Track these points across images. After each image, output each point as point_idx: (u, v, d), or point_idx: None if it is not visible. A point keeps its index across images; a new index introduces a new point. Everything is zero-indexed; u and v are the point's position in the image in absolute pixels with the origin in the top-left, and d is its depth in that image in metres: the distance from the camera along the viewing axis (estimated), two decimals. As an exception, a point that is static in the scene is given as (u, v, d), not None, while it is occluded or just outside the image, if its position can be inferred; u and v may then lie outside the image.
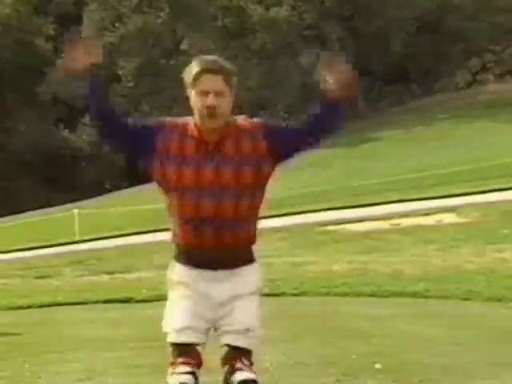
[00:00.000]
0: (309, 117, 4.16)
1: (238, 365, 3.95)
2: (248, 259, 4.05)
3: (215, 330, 4.04)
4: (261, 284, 4.12)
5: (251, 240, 4.04)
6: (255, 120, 4.10)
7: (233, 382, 3.92)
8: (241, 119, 4.04)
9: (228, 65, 3.99)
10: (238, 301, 3.99)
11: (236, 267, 4.00)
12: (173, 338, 4.00)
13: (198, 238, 3.93)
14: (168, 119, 4.04)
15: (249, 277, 4.03)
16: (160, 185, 3.98)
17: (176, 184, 3.91)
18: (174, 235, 4.02)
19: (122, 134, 4.01)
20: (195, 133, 3.95)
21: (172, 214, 3.99)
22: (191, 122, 3.99)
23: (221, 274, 3.98)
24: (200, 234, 3.92)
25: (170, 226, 4.04)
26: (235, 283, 3.99)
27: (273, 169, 4.02)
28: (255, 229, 4.05)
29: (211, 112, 3.88)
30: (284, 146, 4.05)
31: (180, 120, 4.04)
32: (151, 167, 3.96)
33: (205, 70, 3.93)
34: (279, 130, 4.12)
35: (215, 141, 3.93)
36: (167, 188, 3.96)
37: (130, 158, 4.08)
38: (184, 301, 3.99)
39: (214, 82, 3.90)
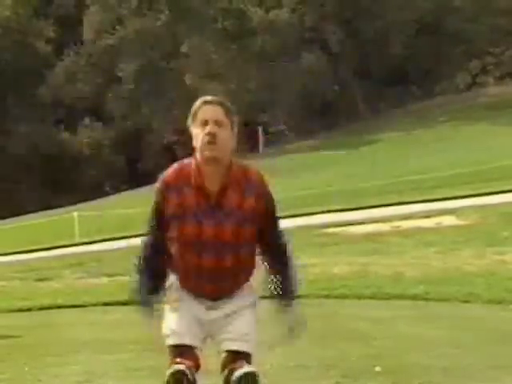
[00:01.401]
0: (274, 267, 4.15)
1: (237, 365, 3.97)
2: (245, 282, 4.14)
3: (213, 338, 4.09)
4: (257, 298, 4.17)
5: (250, 275, 4.12)
6: (260, 176, 4.04)
7: (233, 379, 3.93)
8: (245, 166, 4.01)
9: (227, 102, 4.01)
10: (233, 314, 4.06)
11: (234, 293, 4.08)
12: (170, 339, 4.03)
13: (199, 286, 4.02)
14: (163, 178, 4.02)
15: (245, 298, 4.10)
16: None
17: (178, 237, 3.96)
18: (176, 273, 4.10)
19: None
20: (197, 180, 3.92)
21: (175, 260, 4.05)
22: (191, 165, 3.96)
23: (218, 302, 4.08)
24: (201, 285, 4.01)
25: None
26: (232, 305, 4.07)
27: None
28: (254, 265, 4.11)
29: (210, 140, 3.86)
30: (264, 235, 4.06)
31: (175, 172, 3.99)
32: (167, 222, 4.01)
33: (205, 103, 3.97)
34: (264, 228, 4.04)
35: (217, 191, 3.91)
36: (172, 240, 4.01)
37: None
38: (182, 309, 4.07)
39: (214, 112, 3.92)
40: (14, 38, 54.30)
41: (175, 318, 4.04)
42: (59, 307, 12.18)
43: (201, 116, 3.93)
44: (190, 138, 3.99)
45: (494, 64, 55.40)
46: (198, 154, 3.92)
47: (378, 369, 6.44)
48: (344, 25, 53.55)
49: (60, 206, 40.99)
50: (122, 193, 46.34)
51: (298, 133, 53.10)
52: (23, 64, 53.63)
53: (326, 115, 53.83)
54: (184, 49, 53.80)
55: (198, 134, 3.90)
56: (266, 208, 3.98)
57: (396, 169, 31.81)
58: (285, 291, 4.11)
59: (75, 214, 28.34)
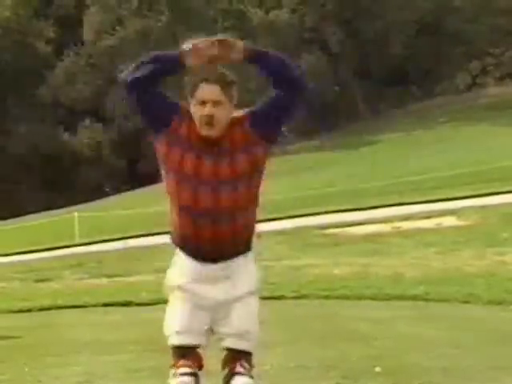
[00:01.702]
0: (272, 90, 4.08)
1: (238, 368, 3.96)
2: (246, 248, 4.05)
3: (214, 333, 4.04)
4: (259, 285, 4.12)
5: (250, 229, 4.05)
6: (243, 111, 4.07)
7: None
8: (235, 117, 4.04)
9: (228, 73, 4.01)
10: (236, 302, 3.99)
11: (235, 257, 3.99)
12: (173, 340, 4.01)
13: (196, 229, 3.93)
14: (184, 104, 4.04)
15: (247, 276, 4.03)
16: (163, 163, 4.00)
17: (177, 167, 3.93)
18: (174, 223, 4.02)
19: (152, 96, 4.01)
20: (197, 134, 3.96)
21: (171, 199, 4.00)
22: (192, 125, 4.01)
23: (219, 267, 3.97)
24: (198, 227, 3.93)
25: (171, 215, 4.05)
26: (233, 283, 3.99)
27: (267, 151, 4.04)
28: (254, 218, 4.06)
29: (208, 121, 3.90)
30: (268, 125, 4.03)
31: (190, 114, 4.03)
32: (160, 141, 3.98)
33: (202, 80, 3.95)
34: (260, 112, 4.05)
35: (214, 138, 3.95)
36: (168, 168, 3.98)
37: (147, 121, 4.04)
38: (183, 303, 4.00)
39: (212, 92, 3.92)
40: (14, 39, 54.30)
41: (177, 314, 3.99)
42: (59, 308, 12.17)
43: (199, 95, 3.94)
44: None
45: (494, 64, 55.43)
46: (196, 123, 3.94)
47: (378, 369, 6.44)
48: (344, 25, 53.57)
49: (60, 206, 40.99)
50: (122, 193, 46.34)
51: (298, 133, 53.08)
52: (23, 64, 53.63)
53: (326, 116, 53.83)
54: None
55: (196, 113, 3.93)
56: (252, 123, 3.99)
57: (396, 169, 31.81)
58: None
59: (75, 214, 28.34)
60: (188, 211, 3.93)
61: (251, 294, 4.05)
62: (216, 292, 3.98)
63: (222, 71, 3.99)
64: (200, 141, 3.94)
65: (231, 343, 4.00)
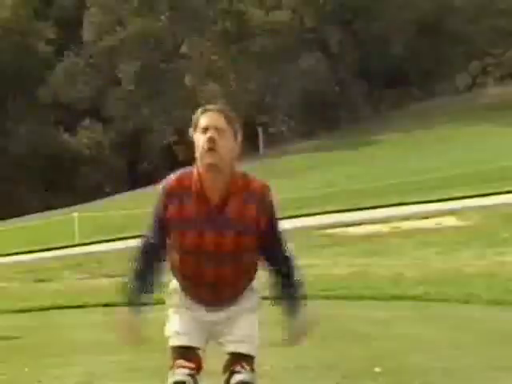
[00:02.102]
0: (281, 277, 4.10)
1: (238, 368, 3.97)
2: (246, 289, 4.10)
3: (215, 340, 4.09)
4: (258, 303, 4.15)
5: (251, 282, 4.08)
6: (264, 187, 3.96)
7: (230, 382, 3.94)
8: (248, 177, 3.95)
9: (232, 113, 3.95)
10: (236, 316, 4.05)
11: (234, 301, 4.06)
12: (173, 341, 4.03)
13: (199, 295, 4.00)
14: (164, 186, 3.93)
15: (247, 301, 4.08)
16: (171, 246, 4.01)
17: (179, 245, 3.92)
18: (175, 278, 4.08)
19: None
20: (197, 188, 3.86)
21: (174, 268, 4.03)
22: (194, 174, 3.90)
23: (222, 315, 4.06)
24: (200, 294, 3.99)
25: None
26: (233, 307, 4.06)
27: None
28: (255, 272, 4.07)
29: (210, 146, 3.79)
30: (265, 244, 4.00)
31: (176, 181, 3.92)
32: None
33: (205, 110, 3.91)
34: (274, 236, 4.04)
35: (217, 200, 3.85)
36: (172, 248, 3.98)
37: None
38: (184, 313, 4.06)
39: (215, 119, 3.86)
40: (15, 39, 54.29)
41: (177, 320, 4.05)
42: (59, 308, 12.18)
43: (202, 123, 3.86)
44: (191, 144, 3.95)
45: (494, 65, 55.42)
46: (198, 162, 3.86)
47: (377, 369, 6.44)
48: (344, 26, 53.56)
49: (60, 206, 40.98)
50: (122, 194, 46.33)
51: (298, 133, 53.09)
52: (23, 65, 53.62)
53: (326, 116, 53.82)
54: (184, 50, 53.80)
55: (199, 141, 3.84)
56: (266, 223, 3.92)
57: (396, 169, 31.82)
58: (290, 298, 4.06)
59: (75, 214, 28.34)
60: (191, 281, 3.98)
61: (251, 311, 4.08)
62: (215, 316, 4.05)
63: (226, 108, 3.96)
64: (201, 208, 3.86)
65: (233, 347, 4.02)
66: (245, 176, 3.91)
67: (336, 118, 53.38)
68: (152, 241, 4.00)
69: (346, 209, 23.29)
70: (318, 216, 22.39)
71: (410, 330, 8.57)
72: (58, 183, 52.22)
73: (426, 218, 20.49)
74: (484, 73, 55.82)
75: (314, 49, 54.64)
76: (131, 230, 25.74)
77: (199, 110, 3.95)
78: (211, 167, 3.80)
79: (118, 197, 45.01)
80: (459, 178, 25.80)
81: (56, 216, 33.40)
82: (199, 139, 3.84)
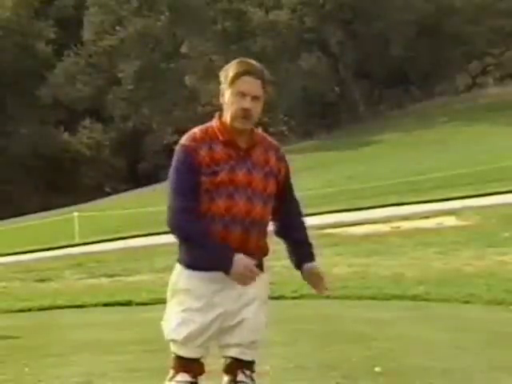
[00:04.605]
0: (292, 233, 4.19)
1: (240, 377, 3.95)
2: (260, 268, 4.01)
3: (220, 338, 3.98)
4: (269, 292, 4.13)
5: (267, 248, 4.08)
6: (278, 145, 4.15)
7: None
8: (263, 133, 4.11)
9: (267, 72, 4.02)
10: (247, 312, 3.94)
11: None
12: (177, 350, 3.97)
13: (226, 236, 3.88)
14: (188, 142, 3.92)
15: (258, 285, 3.98)
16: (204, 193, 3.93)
17: (208, 186, 3.88)
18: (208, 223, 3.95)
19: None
20: (226, 135, 3.93)
21: (204, 210, 3.91)
22: (214, 126, 3.96)
23: None
24: (228, 233, 3.89)
25: None
26: (244, 291, 3.93)
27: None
28: (267, 231, 4.09)
29: (245, 115, 3.88)
30: (283, 196, 4.10)
31: (199, 130, 3.96)
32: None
33: (246, 72, 3.91)
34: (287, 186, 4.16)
35: (246, 146, 3.95)
36: (204, 193, 3.90)
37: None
38: (194, 312, 3.92)
39: (254, 86, 3.91)
40: (15, 40, 54.28)
41: (183, 323, 3.92)
42: (59, 308, 12.18)
43: (239, 86, 3.88)
44: (217, 94, 3.98)
45: (494, 65, 55.43)
46: (227, 117, 3.92)
47: (378, 370, 6.44)
48: (344, 26, 53.56)
49: (60, 206, 40.97)
50: (122, 193, 46.33)
51: (298, 133, 53.10)
52: (23, 65, 53.61)
53: (326, 116, 53.84)
54: (184, 50, 53.80)
55: (233, 103, 3.89)
56: (285, 171, 4.07)
57: (396, 169, 31.80)
58: (305, 253, 4.17)
59: (75, 214, 28.33)
60: (220, 221, 3.89)
61: (262, 302, 4.03)
62: (225, 298, 3.92)
63: (263, 68, 4.00)
64: (230, 153, 3.91)
65: (235, 353, 3.96)
66: (260, 132, 4.08)
67: (336, 118, 53.39)
68: (192, 203, 3.87)
69: (346, 209, 23.27)
70: (317, 216, 22.35)
71: (410, 330, 8.57)
72: (58, 183, 52.21)
73: (426, 217, 20.47)
74: (484, 73, 55.83)
75: (314, 49, 54.67)
76: (131, 229, 25.76)
77: (239, 66, 3.92)
78: (239, 131, 3.92)
79: (118, 197, 45.02)
80: (459, 178, 25.79)
81: (56, 216, 33.38)
82: (233, 101, 3.89)
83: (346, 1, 52.74)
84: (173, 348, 3.98)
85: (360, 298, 11.35)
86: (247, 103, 3.87)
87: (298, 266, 4.14)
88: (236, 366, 3.97)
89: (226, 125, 3.93)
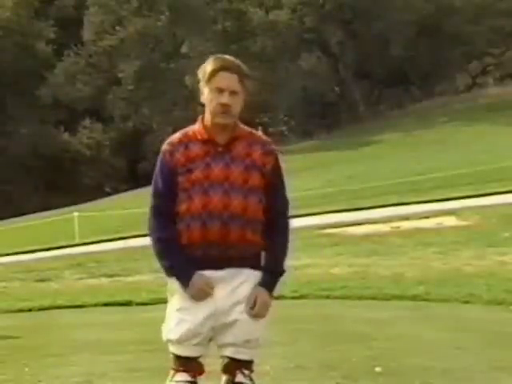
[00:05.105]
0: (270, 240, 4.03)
1: (239, 377, 3.94)
2: (255, 265, 3.98)
3: (216, 338, 3.98)
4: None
5: (258, 243, 3.98)
6: (268, 140, 4.08)
7: None
8: (250, 129, 4.07)
9: (244, 67, 3.99)
10: (239, 309, 3.92)
11: (242, 267, 3.93)
12: (174, 349, 3.98)
13: (205, 233, 3.89)
14: (165, 146, 4.02)
15: (253, 280, 3.96)
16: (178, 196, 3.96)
17: (185, 185, 3.91)
18: (179, 237, 3.96)
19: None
20: (204, 135, 3.95)
21: (179, 217, 3.93)
22: (196, 126, 4.00)
23: (225, 272, 3.92)
24: (206, 229, 3.89)
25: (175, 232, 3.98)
26: (238, 286, 3.92)
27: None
28: (262, 237, 3.99)
29: (225, 110, 3.89)
30: (269, 192, 4.00)
31: (179, 133, 4.02)
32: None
33: (222, 68, 3.92)
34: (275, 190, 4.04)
35: (225, 142, 3.95)
36: (180, 194, 3.93)
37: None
38: (185, 311, 3.94)
39: (230, 81, 3.91)
40: (15, 40, 54.26)
41: (179, 323, 3.94)
42: (59, 308, 12.18)
43: (216, 82, 3.91)
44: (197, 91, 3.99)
45: (494, 65, 55.43)
46: (207, 115, 3.95)
47: (378, 369, 6.43)
48: (344, 26, 53.57)
49: (60, 206, 40.96)
50: (122, 193, 46.31)
51: (298, 133, 53.10)
52: (23, 65, 53.59)
53: (326, 116, 53.82)
54: (184, 50, 53.79)
55: (212, 100, 3.91)
56: (272, 166, 3.98)
57: (396, 169, 31.79)
58: (266, 266, 3.99)
59: (75, 214, 28.33)
60: (198, 218, 3.90)
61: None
62: (219, 295, 3.91)
63: (239, 64, 3.98)
64: (208, 150, 3.92)
65: (231, 353, 3.96)
66: (247, 128, 4.04)
67: (336, 118, 53.38)
68: (164, 204, 3.94)
69: (346, 209, 23.26)
70: (317, 216, 22.35)
71: (410, 330, 8.57)
72: (58, 183, 52.19)
73: (426, 217, 20.47)
74: (484, 73, 55.83)
75: (314, 49, 54.67)
76: (131, 229, 25.74)
77: (212, 62, 3.94)
78: (220, 126, 3.92)
79: (117, 197, 44.99)
80: (459, 178, 25.78)
81: (56, 216, 33.36)
82: (211, 98, 3.92)
83: (346, 1, 52.73)
84: (171, 348, 4.00)
85: (360, 298, 11.35)
86: (225, 98, 3.89)
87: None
88: (234, 366, 3.96)
89: (206, 124, 3.95)
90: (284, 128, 56.29)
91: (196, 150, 3.93)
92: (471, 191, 23.11)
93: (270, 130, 55.37)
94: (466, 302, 10.44)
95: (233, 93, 3.91)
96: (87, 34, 54.65)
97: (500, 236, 16.78)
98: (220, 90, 3.90)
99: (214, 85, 3.91)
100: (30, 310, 12.18)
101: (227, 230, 3.89)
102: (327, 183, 31.09)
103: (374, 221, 20.76)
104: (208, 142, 3.94)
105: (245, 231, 3.91)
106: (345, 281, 12.92)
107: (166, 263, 3.99)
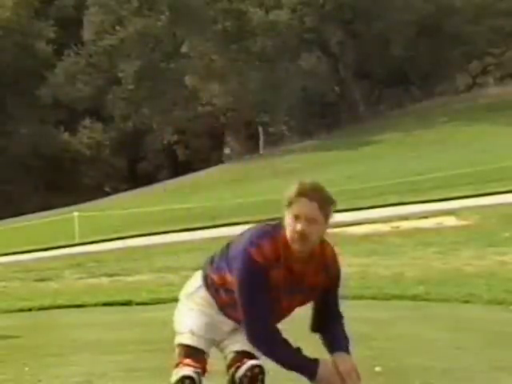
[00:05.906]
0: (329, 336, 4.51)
1: (243, 361, 3.97)
2: None
3: (220, 344, 4.09)
4: None
5: None
6: (335, 255, 4.17)
7: (239, 374, 3.95)
8: (322, 243, 4.06)
9: (327, 193, 3.93)
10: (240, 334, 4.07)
11: None
12: (187, 339, 4.01)
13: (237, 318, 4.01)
14: (263, 257, 3.89)
15: None
16: None
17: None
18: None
19: None
20: (286, 260, 3.90)
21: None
22: (280, 243, 3.91)
23: None
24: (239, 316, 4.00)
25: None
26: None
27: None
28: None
29: (301, 237, 3.83)
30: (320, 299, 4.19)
31: (273, 246, 3.90)
32: None
33: (301, 194, 3.86)
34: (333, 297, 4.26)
35: (299, 269, 3.94)
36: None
37: None
38: (202, 306, 4.05)
39: (308, 208, 3.83)
40: (15, 39, 54.28)
41: (195, 319, 4.03)
42: (59, 308, 12.18)
43: (295, 209, 3.83)
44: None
45: (494, 65, 55.45)
46: (288, 235, 3.87)
47: (378, 369, 6.43)
48: (344, 26, 53.58)
49: (60, 206, 40.99)
50: (122, 193, 46.35)
51: (298, 133, 53.13)
52: (23, 65, 53.61)
53: (326, 116, 53.84)
54: (184, 49, 53.82)
55: (290, 225, 3.84)
56: (334, 285, 4.16)
57: (396, 169, 31.81)
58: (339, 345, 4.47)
59: (75, 214, 28.34)
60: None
61: None
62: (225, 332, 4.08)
63: (322, 189, 3.92)
64: (286, 277, 3.94)
65: (238, 347, 4.03)
66: (320, 242, 4.03)
67: (336, 118, 53.40)
68: (267, 310, 3.99)
69: (346, 208, 23.25)
70: (317, 216, 22.33)
71: (410, 329, 8.57)
72: (58, 183, 52.21)
73: (426, 217, 20.48)
74: (484, 73, 55.86)
75: (314, 49, 54.69)
76: (131, 229, 25.76)
77: (296, 189, 3.89)
78: (299, 252, 3.89)
79: (117, 197, 45.03)
80: (459, 178, 25.79)
81: (56, 216, 33.38)
82: (290, 223, 3.84)
83: (346, 1, 52.74)
84: (180, 339, 4.02)
85: (360, 297, 11.35)
86: (301, 226, 3.82)
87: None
88: (239, 357, 4.01)
89: (287, 246, 3.90)
90: (284, 128, 56.29)
91: (278, 275, 3.92)
92: (471, 191, 23.12)
93: (270, 129, 55.44)
94: (466, 302, 10.43)
95: (309, 220, 3.84)
96: (87, 33, 54.68)
97: (500, 236, 16.78)
98: (297, 217, 3.83)
99: (292, 211, 3.85)
100: (29, 310, 12.17)
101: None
102: (327, 183, 30.86)
103: (373, 221, 20.76)
104: (288, 268, 3.92)
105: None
106: (345, 281, 12.91)
107: (289, 362, 4.31)
